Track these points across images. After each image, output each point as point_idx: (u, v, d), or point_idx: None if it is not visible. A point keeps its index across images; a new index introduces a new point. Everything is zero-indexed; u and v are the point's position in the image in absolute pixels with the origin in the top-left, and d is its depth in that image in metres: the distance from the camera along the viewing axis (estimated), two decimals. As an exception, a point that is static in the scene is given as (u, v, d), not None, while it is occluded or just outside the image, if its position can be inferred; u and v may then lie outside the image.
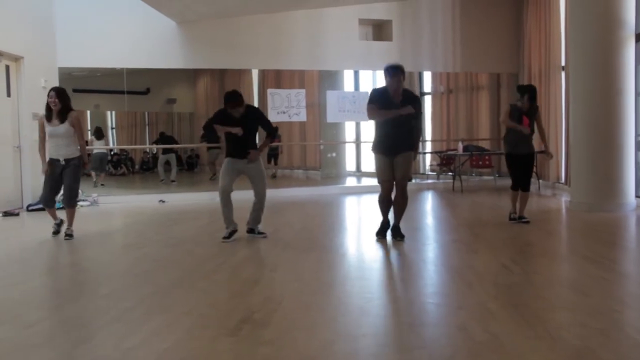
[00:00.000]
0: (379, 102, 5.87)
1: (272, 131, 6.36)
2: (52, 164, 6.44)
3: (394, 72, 5.85)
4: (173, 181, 13.46)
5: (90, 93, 13.81)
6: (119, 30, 10.35)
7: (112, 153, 14.89)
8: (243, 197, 6.66)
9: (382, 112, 5.82)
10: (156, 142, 14.44)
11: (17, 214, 8.67)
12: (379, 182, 6.02)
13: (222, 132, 6.21)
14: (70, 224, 6.55)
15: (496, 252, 5.32)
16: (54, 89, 6.53)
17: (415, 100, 5.97)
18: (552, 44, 10.71)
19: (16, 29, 9.09)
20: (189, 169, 16.84)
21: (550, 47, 10.80)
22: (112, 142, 13.96)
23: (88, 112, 15.80)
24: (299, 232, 6.82)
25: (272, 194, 11.38)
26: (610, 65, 7.68)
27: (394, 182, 5.93)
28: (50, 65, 9.93)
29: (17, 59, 9.17)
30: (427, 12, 11.95)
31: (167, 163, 15.97)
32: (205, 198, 10.14)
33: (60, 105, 6.38)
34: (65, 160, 6.44)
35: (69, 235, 6.43)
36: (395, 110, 5.73)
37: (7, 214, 8.54)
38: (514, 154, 6.94)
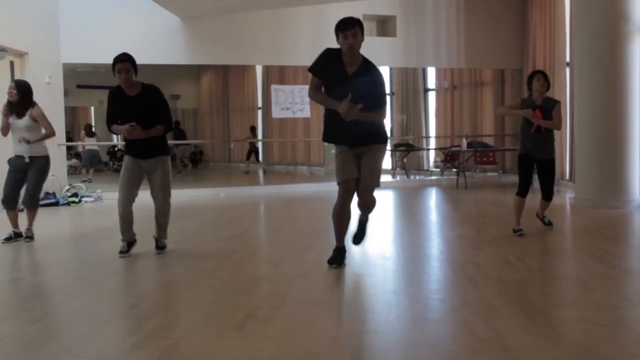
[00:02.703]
0: (325, 70, 4.44)
1: (168, 122, 5.20)
2: (14, 161, 6.01)
3: (347, 25, 4.26)
4: (179, 173, 13.61)
5: (94, 89, 13.85)
6: (123, 26, 10.34)
7: (116, 149, 14.93)
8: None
9: (325, 97, 4.45)
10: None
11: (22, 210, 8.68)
12: (337, 184, 4.55)
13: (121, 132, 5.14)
14: (30, 224, 6.11)
15: (500, 248, 5.31)
16: (14, 81, 6.17)
17: (375, 74, 4.43)
18: (557, 39, 10.66)
19: (21, 25, 9.09)
20: (193, 165, 16.90)
21: (555, 43, 10.75)
22: (116, 138, 13.98)
23: (92, 107, 15.87)
24: (303, 228, 6.81)
25: (276, 189, 11.49)
26: (615, 61, 7.64)
27: (357, 186, 4.55)
28: (54, 61, 9.94)
29: (21, 54, 9.17)
30: (431, 7, 11.91)
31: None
32: (209, 194, 10.15)
33: (18, 97, 5.91)
34: (29, 157, 5.98)
35: (29, 237, 6.05)
36: (344, 102, 4.17)
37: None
38: (527, 155, 5.89)
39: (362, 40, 4.34)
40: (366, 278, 4.46)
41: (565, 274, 4.61)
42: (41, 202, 8.81)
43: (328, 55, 4.46)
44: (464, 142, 11.31)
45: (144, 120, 5.02)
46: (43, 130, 6.07)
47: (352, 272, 4.61)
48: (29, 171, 6.01)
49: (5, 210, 6.10)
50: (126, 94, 5.07)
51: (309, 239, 6.05)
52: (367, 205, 4.76)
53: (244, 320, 3.34)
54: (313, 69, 4.50)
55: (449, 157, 12.35)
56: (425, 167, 13.66)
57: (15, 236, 6.05)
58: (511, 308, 3.49)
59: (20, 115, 5.95)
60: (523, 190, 5.89)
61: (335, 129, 4.49)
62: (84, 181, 11.40)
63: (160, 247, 5.36)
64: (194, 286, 4.25)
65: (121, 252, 5.20)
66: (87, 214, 8.74)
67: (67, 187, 9.74)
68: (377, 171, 4.62)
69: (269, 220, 8.33)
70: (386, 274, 4.62)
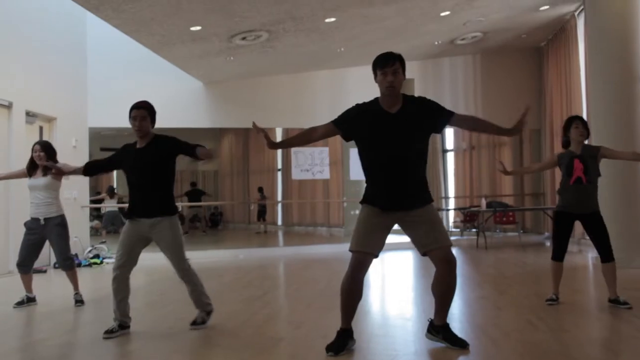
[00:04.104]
0: (352, 125, 3.90)
1: (192, 146, 4.65)
2: (31, 224, 5.92)
3: (387, 61, 3.79)
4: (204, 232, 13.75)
5: (117, 152, 14.16)
6: (147, 91, 10.60)
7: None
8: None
9: (291, 139, 4.26)
10: (187, 194, 14.72)
11: (45, 271, 8.79)
12: (351, 251, 3.95)
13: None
14: (75, 287, 6.03)
15: (521, 308, 5.26)
16: (39, 143, 6.06)
17: (425, 102, 4.01)
18: (573, 98, 10.79)
19: (51, 91, 9.45)
20: (212, 225, 17.02)
21: (571, 102, 10.88)
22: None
23: (115, 171, 16.17)
24: (324, 290, 6.80)
25: (295, 250, 11.51)
26: (631, 119, 7.72)
27: (424, 253, 3.93)
28: (81, 125, 10.26)
29: (50, 119, 9.49)
30: (449, 70, 12.16)
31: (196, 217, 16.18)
32: (228, 255, 10.20)
33: (45, 158, 5.83)
34: (45, 219, 5.87)
35: (79, 302, 5.97)
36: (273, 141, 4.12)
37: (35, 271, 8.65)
38: (567, 212, 5.26)
39: (404, 78, 3.85)
40: (386, 339, 4.44)
41: (590, 335, 4.53)
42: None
43: (357, 108, 3.93)
44: (483, 202, 11.32)
45: (147, 176, 4.59)
46: (61, 191, 6.05)
47: (372, 332, 4.59)
48: (50, 235, 5.91)
49: (19, 274, 6.01)
50: (135, 148, 4.66)
51: (329, 300, 6.02)
52: (451, 282, 3.94)
53: (265, 381, 3.33)
54: (337, 119, 3.96)
55: (469, 217, 12.34)
56: (445, 228, 13.62)
57: (28, 300, 6.00)
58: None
59: (44, 174, 5.88)
60: (557, 254, 5.33)
61: (375, 189, 3.92)
62: (102, 242, 11.52)
63: (194, 322, 4.76)
64: (215, 347, 4.26)
65: (107, 331, 4.54)
66: (108, 275, 8.79)
67: (90, 248, 9.87)
68: (442, 226, 4.01)
69: (288, 281, 8.32)
70: (407, 335, 4.59)
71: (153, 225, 4.57)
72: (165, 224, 4.58)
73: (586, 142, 5.48)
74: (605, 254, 5.22)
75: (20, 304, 5.92)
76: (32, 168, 5.98)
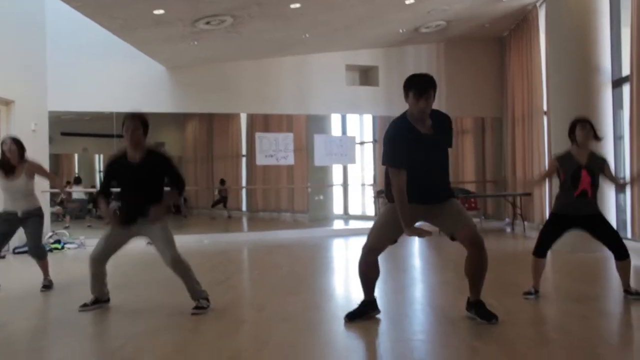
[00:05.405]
0: (405, 146, 4.05)
1: (181, 186, 4.91)
2: (7, 215, 5.84)
3: (424, 87, 3.97)
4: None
5: (78, 136, 13.96)
6: (109, 76, 10.53)
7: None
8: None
9: (402, 202, 4.06)
10: None
11: (4, 257, 8.67)
12: (367, 243, 4.37)
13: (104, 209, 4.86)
14: (46, 274, 6.02)
15: (482, 292, 5.40)
16: (10, 137, 5.93)
17: (449, 126, 4.26)
18: (534, 88, 11.02)
19: (8, 73, 9.24)
20: (175, 212, 16.89)
21: (532, 92, 11.11)
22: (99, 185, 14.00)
23: (76, 155, 15.94)
24: (287, 274, 6.88)
25: (259, 236, 11.55)
26: (589, 111, 7.91)
27: (452, 237, 4.31)
28: (40, 109, 10.07)
29: (7, 103, 9.30)
30: (413, 58, 12.28)
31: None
32: (192, 240, 10.19)
33: (17, 154, 5.77)
34: (23, 212, 5.84)
35: (47, 287, 5.95)
36: (406, 216, 4.06)
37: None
38: (563, 215, 5.10)
39: (433, 101, 4.05)
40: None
41: (544, 316, 4.72)
42: (21, 250, 8.88)
43: (400, 134, 4.09)
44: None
45: (147, 189, 4.75)
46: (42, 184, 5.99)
47: (335, 315, 4.68)
48: (26, 225, 5.87)
49: None
50: (127, 161, 4.73)
51: (292, 285, 6.12)
52: (480, 262, 4.24)
53: (228, 362, 3.40)
54: (399, 161, 4.03)
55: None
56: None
57: None
58: (490, 349, 3.58)
59: (17, 174, 5.77)
60: (541, 250, 5.21)
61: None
62: (66, 227, 11.39)
63: (196, 307, 4.78)
64: (180, 329, 4.30)
65: (83, 305, 4.84)
66: (69, 260, 8.73)
67: (50, 233, 9.75)
68: (466, 212, 4.38)
69: (252, 266, 8.38)
70: (369, 317, 4.70)
71: (144, 223, 4.73)
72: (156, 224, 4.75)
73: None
74: (619, 252, 4.97)
75: None
76: (4, 166, 5.80)
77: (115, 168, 4.82)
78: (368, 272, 4.43)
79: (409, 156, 4.01)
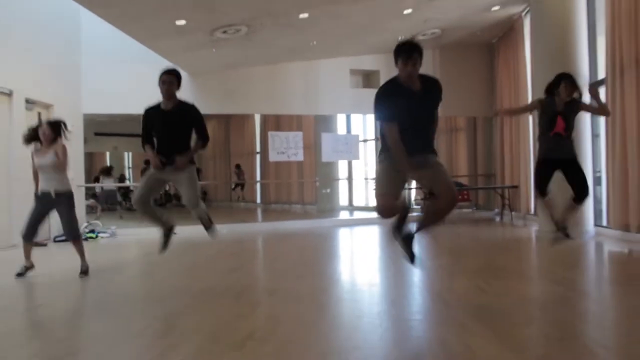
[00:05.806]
0: (393, 102, 4.04)
1: (205, 138, 5.05)
2: (42, 196, 5.75)
3: (410, 52, 4.03)
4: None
5: (110, 136, 14.04)
6: (138, 80, 10.53)
7: (130, 189, 15.04)
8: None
9: (399, 149, 3.99)
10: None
11: (45, 244, 8.75)
12: (376, 198, 4.18)
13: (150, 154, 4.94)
14: (82, 258, 5.89)
15: (473, 275, 5.42)
16: (47, 122, 5.95)
17: (438, 88, 4.25)
18: (520, 90, 10.95)
19: (48, 79, 9.31)
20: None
21: (518, 93, 11.04)
22: (130, 179, 14.08)
23: (107, 153, 16.04)
24: (297, 260, 6.91)
25: (272, 226, 11.59)
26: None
27: (430, 192, 4.27)
28: (76, 112, 10.12)
29: (47, 106, 9.36)
30: (411, 63, 12.22)
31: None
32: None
33: (52, 136, 5.79)
34: (55, 193, 5.74)
35: (84, 272, 5.83)
36: (405, 160, 3.98)
37: (36, 244, 8.56)
38: (547, 159, 5.24)
39: (421, 66, 4.05)
40: (353, 303, 4.55)
41: (529, 296, 4.71)
42: (61, 239, 8.93)
43: (389, 90, 4.12)
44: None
45: (177, 134, 4.89)
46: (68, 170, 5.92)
47: (342, 297, 4.71)
48: (59, 207, 5.77)
49: (23, 242, 5.82)
50: (161, 109, 4.92)
51: (301, 270, 6.14)
52: (441, 209, 4.21)
53: (244, 340, 3.42)
54: (390, 115, 4.05)
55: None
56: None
57: (26, 270, 5.82)
58: (480, 327, 3.59)
59: (48, 151, 5.72)
60: (542, 190, 5.28)
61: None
62: (97, 219, 11.46)
63: (210, 230, 5.26)
64: (200, 311, 4.33)
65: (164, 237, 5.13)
66: (103, 248, 8.80)
67: (85, 224, 9.82)
68: (447, 176, 4.21)
69: (265, 253, 8.41)
70: (372, 299, 4.72)
71: (172, 170, 4.86)
72: (187, 170, 4.90)
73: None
74: (580, 196, 5.14)
75: (20, 275, 5.76)
76: (39, 145, 5.80)
77: (151, 116, 4.98)
78: (395, 211, 4.22)
79: (398, 109, 4.01)
